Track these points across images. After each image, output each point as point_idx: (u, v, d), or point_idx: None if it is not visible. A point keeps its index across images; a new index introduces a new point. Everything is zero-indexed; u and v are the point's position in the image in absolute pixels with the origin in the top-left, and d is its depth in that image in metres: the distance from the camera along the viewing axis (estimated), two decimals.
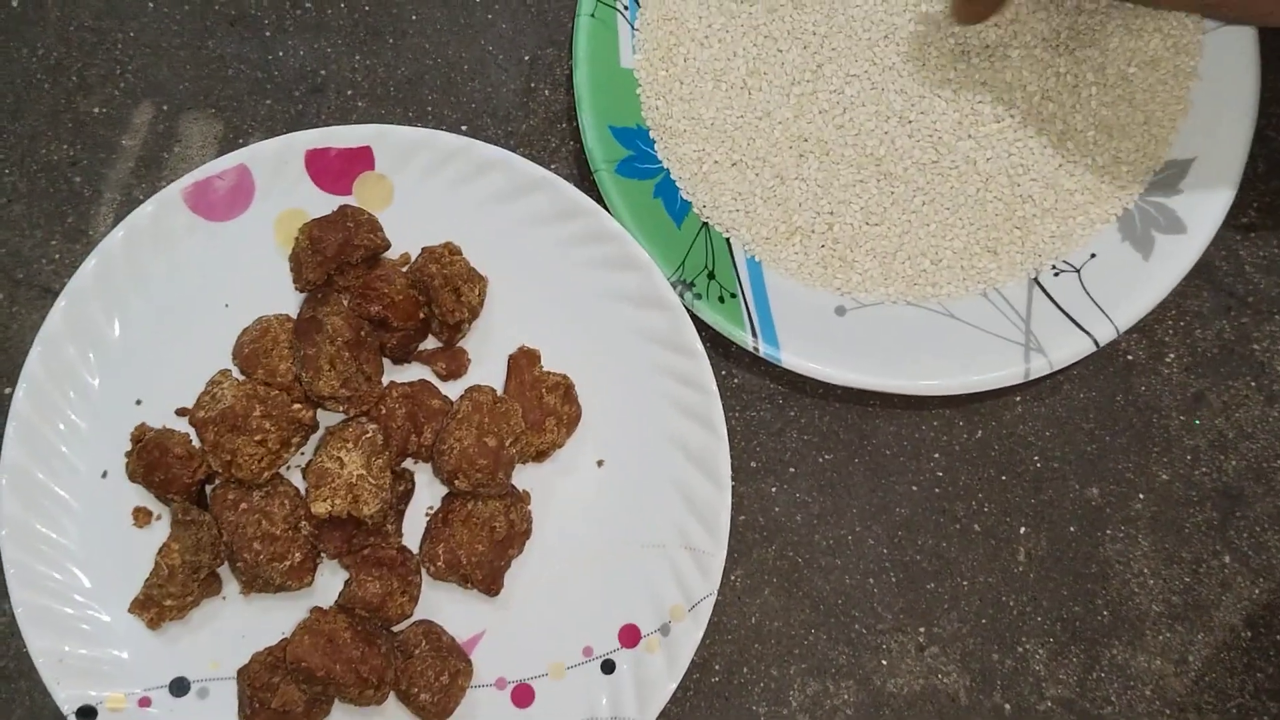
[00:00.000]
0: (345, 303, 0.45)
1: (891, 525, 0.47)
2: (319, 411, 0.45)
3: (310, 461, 0.44)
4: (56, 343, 0.46)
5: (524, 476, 0.46)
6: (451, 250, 0.46)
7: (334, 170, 0.47)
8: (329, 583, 0.45)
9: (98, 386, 0.47)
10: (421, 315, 0.46)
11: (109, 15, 0.51)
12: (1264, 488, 0.48)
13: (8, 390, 0.48)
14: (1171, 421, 0.48)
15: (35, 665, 0.44)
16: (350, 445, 0.43)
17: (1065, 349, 0.46)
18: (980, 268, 0.47)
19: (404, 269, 0.47)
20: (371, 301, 0.45)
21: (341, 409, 0.44)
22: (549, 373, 0.46)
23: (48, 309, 0.46)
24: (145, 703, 0.45)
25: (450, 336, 0.46)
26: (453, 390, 0.46)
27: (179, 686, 0.45)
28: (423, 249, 0.46)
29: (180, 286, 0.47)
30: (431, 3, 0.51)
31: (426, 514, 0.46)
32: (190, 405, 0.46)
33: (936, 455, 0.47)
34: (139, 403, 0.47)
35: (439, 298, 0.45)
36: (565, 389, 0.46)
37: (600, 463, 0.46)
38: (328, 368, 0.43)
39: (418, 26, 0.51)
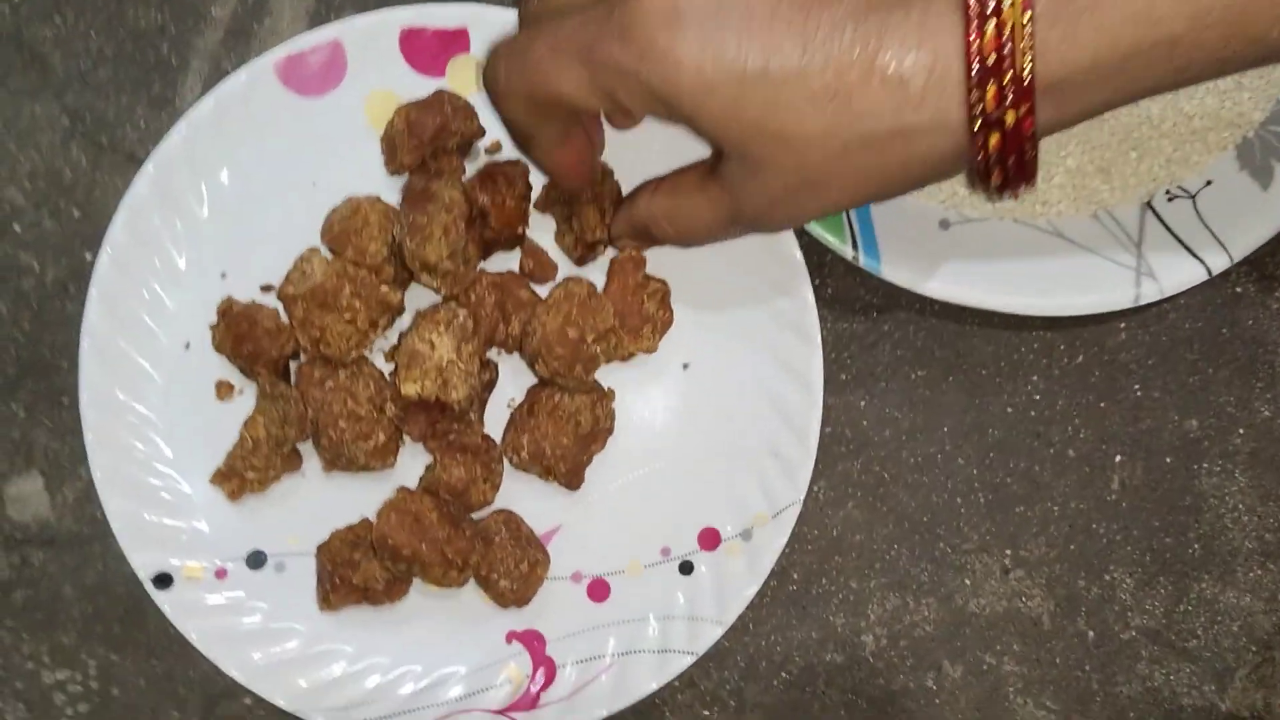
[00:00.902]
0: (458, 182, 0.44)
1: (983, 446, 0.46)
2: (406, 296, 0.45)
3: (400, 342, 0.43)
4: (142, 210, 0.45)
5: (609, 376, 0.45)
6: (605, 170, 0.44)
7: (428, 51, 0.46)
8: (409, 466, 0.45)
9: (182, 257, 0.46)
10: (520, 231, 0.45)
11: None
12: None
13: (88, 256, 0.48)
14: (1277, 357, 0.47)
15: (112, 530, 0.44)
16: (442, 329, 0.42)
17: (1177, 275, 0.44)
18: (1092, 188, 0.46)
19: (494, 155, 0.46)
20: (487, 191, 0.44)
21: (438, 284, 0.43)
22: (650, 278, 0.45)
23: (132, 176, 0.45)
24: (221, 574, 0.45)
25: (583, 255, 0.45)
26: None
27: (256, 560, 0.45)
28: None
29: (268, 161, 0.46)
30: None
31: (508, 407, 0.45)
32: (274, 281, 0.45)
33: (1034, 377, 0.46)
34: (224, 276, 0.46)
35: (582, 213, 0.43)
36: (663, 295, 0.45)
37: (686, 366, 0.46)
38: (439, 235, 0.42)
39: None
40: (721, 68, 0.31)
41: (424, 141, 0.44)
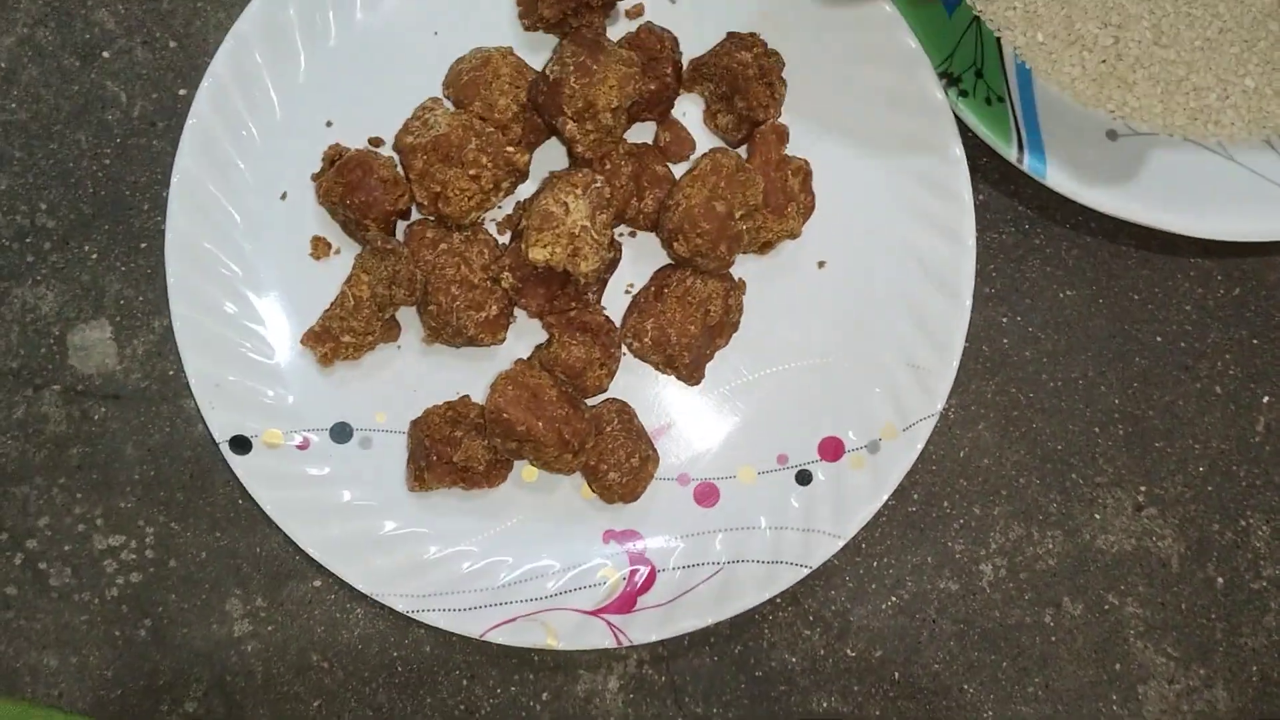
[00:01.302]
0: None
1: (1127, 375, 0.43)
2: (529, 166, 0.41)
3: (533, 202, 0.40)
4: (247, 45, 0.42)
5: (737, 268, 0.42)
6: (761, 42, 0.41)
7: None
8: (513, 349, 0.42)
9: (286, 100, 0.42)
10: (672, 103, 0.42)
11: None
12: None
13: (182, 91, 0.44)
14: None
15: (188, 388, 0.41)
16: (579, 192, 0.39)
17: None
18: (1269, 112, 0.43)
19: (638, 19, 0.43)
20: (643, 57, 0.41)
21: (580, 139, 0.40)
22: (791, 156, 0.42)
23: (237, 9, 0.41)
24: (304, 445, 0.41)
25: (746, 136, 0.42)
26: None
27: (341, 433, 0.42)
28: (728, 34, 0.42)
29: (386, 3, 0.43)
30: None
31: (625, 292, 0.42)
32: (384, 136, 0.42)
33: (1188, 308, 0.44)
34: (329, 124, 0.43)
35: (749, 89, 0.41)
36: (805, 175, 0.42)
37: (821, 264, 0.43)
38: (614, 82, 0.39)
39: None
40: None
41: None
